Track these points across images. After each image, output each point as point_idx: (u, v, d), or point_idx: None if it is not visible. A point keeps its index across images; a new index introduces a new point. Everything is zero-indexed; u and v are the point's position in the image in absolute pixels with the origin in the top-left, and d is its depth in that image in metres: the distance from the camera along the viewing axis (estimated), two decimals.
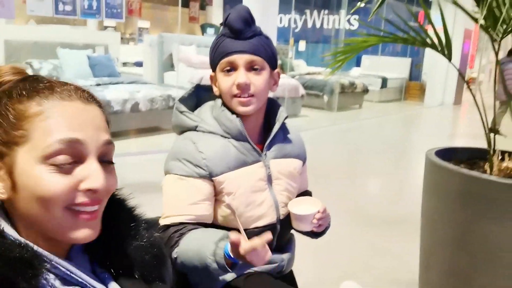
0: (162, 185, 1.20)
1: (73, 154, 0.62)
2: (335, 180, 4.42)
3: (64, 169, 0.61)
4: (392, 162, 5.48)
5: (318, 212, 1.20)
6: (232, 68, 1.17)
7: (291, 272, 1.41)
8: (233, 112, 1.20)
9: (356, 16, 11.97)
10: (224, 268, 1.00)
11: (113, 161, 0.69)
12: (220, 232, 1.07)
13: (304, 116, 8.23)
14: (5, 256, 0.57)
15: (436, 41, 1.74)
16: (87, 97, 0.67)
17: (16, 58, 6.06)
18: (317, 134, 6.73)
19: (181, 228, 1.12)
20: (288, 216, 1.26)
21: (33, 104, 0.63)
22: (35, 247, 0.61)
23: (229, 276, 1.20)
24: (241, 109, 1.18)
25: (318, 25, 13.60)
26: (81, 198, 0.63)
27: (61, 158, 0.61)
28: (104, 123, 0.68)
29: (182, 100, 1.27)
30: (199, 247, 1.04)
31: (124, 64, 10.02)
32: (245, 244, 0.92)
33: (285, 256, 1.31)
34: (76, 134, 0.62)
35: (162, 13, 17.54)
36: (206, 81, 1.30)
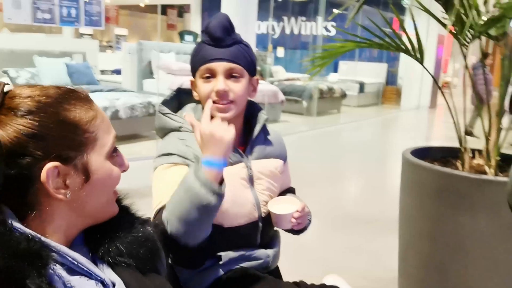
0: (152, 182, 1.21)
1: (114, 146, 0.77)
2: (316, 182, 4.49)
3: (116, 159, 0.78)
4: (370, 164, 5.60)
5: (297, 211, 1.24)
6: (211, 75, 1.19)
7: (277, 268, 1.45)
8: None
9: (333, 23, 12.17)
10: (210, 186, 1.01)
11: None
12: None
13: (284, 122, 8.32)
14: (14, 248, 0.60)
15: (409, 46, 1.83)
16: None
17: None
18: (297, 138, 6.81)
19: None
20: (270, 214, 1.30)
21: (87, 109, 0.72)
22: (43, 238, 0.65)
23: (217, 272, 1.25)
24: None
25: (296, 31, 13.78)
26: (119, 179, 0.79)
27: (116, 150, 0.77)
28: None
29: (165, 102, 1.30)
30: (180, 186, 1.05)
31: (102, 72, 9.94)
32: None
33: (270, 252, 1.35)
34: (114, 130, 0.77)
35: (139, 20, 17.48)
36: (187, 87, 1.34)
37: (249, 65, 1.22)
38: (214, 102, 1.19)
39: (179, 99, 1.34)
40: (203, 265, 1.24)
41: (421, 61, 1.86)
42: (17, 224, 0.64)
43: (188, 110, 1.30)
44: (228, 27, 1.18)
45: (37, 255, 0.61)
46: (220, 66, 1.18)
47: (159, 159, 1.22)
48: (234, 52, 1.19)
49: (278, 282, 1.26)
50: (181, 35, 14.19)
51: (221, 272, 1.25)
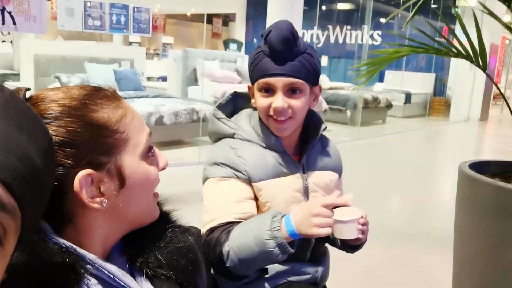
0: (203, 192, 1.17)
1: (149, 145, 0.71)
2: (360, 194, 4.34)
3: (152, 158, 0.72)
4: (416, 178, 5.38)
5: (362, 217, 1.15)
6: (270, 89, 1.13)
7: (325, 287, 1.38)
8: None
9: (379, 32, 11.94)
10: (282, 245, 0.99)
11: None
12: (274, 210, 1.06)
13: (327, 131, 8.13)
14: (47, 261, 0.56)
15: (470, 51, 1.71)
16: None
17: (45, 72, 6.24)
18: (340, 149, 6.64)
19: (228, 226, 1.08)
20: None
21: (115, 107, 0.67)
22: (78, 249, 0.61)
23: (263, 286, 1.18)
24: (276, 131, 1.17)
25: (340, 40, 13.61)
26: (159, 179, 0.73)
27: (151, 149, 0.71)
28: None
29: (220, 107, 1.26)
30: (254, 226, 1.03)
31: (149, 78, 10.18)
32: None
33: (319, 268, 1.28)
34: (147, 127, 0.72)
35: (185, 29, 17.85)
36: (243, 91, 1.30)
37: (311, 76, 1.14)
38: (271, 116, 1.15)
39: (235, 103, 1.30)
40: (247, 278, 1.18)
41: (484, 67, 1.74)
42: (51, 235, 0.60)
43: (243, 116, 1.25)
44: (291, 39, 1.09)
45: (71, 269, 0.57)
46: (279, 82, 1.11)
47: (210, 169, 1.18)
48: (296, 66, 1.10)
49: None
50: (226, 43, 14.35)
51: (267, 286, 1.19)
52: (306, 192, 1.22)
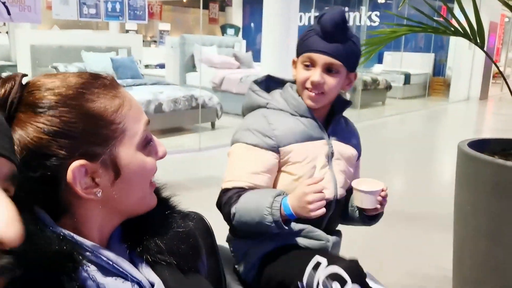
0: (229, 153, 1.29)
1: (149, 134, 0.70)
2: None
3: (150, 148, 0.70)
4: (418, 158, 5.39)
5: (382, 190, 1.24)
6: (311, 64, 1.24)
7: None
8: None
9: (377, 13, 11.83)
10: (278, 222, 1.12)
11: None
12: (278, 189, 1.20)
13: None
14: (44, 250, 0.56)
15: (468, 30, 1.69)
16: None
17: (42, 63, 6.21)
18: None
19: (241, 191, 1.21)
20: (341, 200, 1.33)
21: (112, 97, 0.65)
22: (76, 237, 0.61)
23: (274, 244, 1.27)
24: (308, 102, 1.27)
25: None
26: (156, 168, 0.72)
27: (147, 140, 0.69)
28: None
29: (256, 82, 1.37)
30: (258, 199, 1.15)
31: (146, 66, 10.13)
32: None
33: (332, 237, 1.31)
34: (146, 116, 0.70)
35: (182, 15, 17.69)
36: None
37: (350, 62, 1.25)
38: (307, 88, 1.26)
39: (267, 85, 1.40)
40: (261, 236, 1.26)
41: (482, 45, 1.72)
42: (49, 224, 0.60)
43: (275, 91, 1.36)
44: (340, 23, 1.19)
45: (69, 257, 0.57)
46: (320, 59, 1.22)
47: (241, 133, 1.28)
48: (338, 49, 1.21)
49: (330, 253, 1.25)
50: (223, 28, 14.23)
51: (278, 244, 1.26)
52: (330, 158, 1.31)
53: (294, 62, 1.33)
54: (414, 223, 3.23)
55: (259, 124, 1.26)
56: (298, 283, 1.14)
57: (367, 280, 1.17)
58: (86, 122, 0.61)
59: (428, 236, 2.96)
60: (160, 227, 0.73)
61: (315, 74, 1.23)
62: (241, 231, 1.27)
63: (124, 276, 0.65)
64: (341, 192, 1.32)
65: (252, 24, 14.65)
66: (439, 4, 9.18)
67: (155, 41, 16.25)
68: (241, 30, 14.33)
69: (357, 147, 1.42)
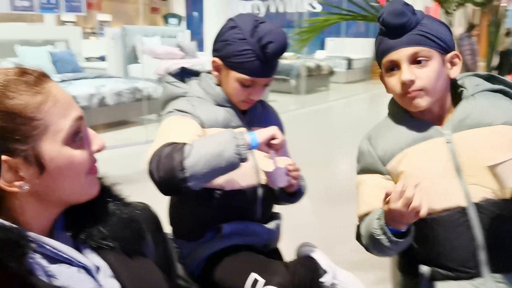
0: (159, 129, 1.23)
1: (79, 128, 0.71)
2: (308, 161, 4.48)
3: (81, 142, 0.71)
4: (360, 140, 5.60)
5: (290, 165, 1.25)
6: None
7: (277, 249, 1.46)
8: (218, 84, 1.30)
9: None
10: (244, 146, 1.07)
11: None
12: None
13: (273, 101, 8.27)
14: None
15: None
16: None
17: None
18: (287, 118, 6.71)
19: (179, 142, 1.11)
20: (267, 185, 1.31)
21: (34, 93, 0.65)
22: (19, 228, 0.64)
23: (217, 246, 1.27)
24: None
25: (281, 9, 13.60)
26: (93, 159, 0.74)
27: (78, 134, 0.70)
28: None
29: (171, 74, 1.35)
30: (217, 134, 1.10)
31: (87, 59, 9.78)
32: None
33: (270, 227, 1.36)
34: (78, 111, 0.70)
35: (122, 5, 17.16)
36: (191, 68, 1.38)
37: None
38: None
39: (182, 76, 1.38)
40: (203, 238, 1.27)
41: None
42: None
43: (192, 81, 1.35)
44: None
45: (16, 244, 0.60)
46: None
47: (166, 115, 1.25)
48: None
49: (268, 261, 1.26)
50: (166, 18, 13.98)
51: (220, 246, 1.27)
52: None
53: (213, 63, 1.29)
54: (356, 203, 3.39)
55: (183, 106, 1.25)
56: None
57: (317, 255, 1.26)
58: (5, 119, 0.62)
59: None
60: (103, 214, 0.76)
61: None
62: (192, 170, 1.05)
63: (69, 262, 0.68)
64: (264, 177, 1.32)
65: (195, 13, 14.48)
66: None
67: (94, 33, 15.69)
68: (184, 19, 14.13)
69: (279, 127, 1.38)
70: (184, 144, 1.08)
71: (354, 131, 6.00)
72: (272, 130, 1.14)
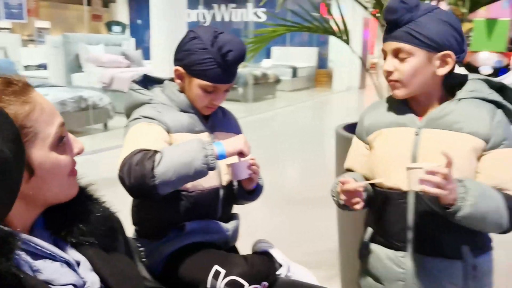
0: (125, 138, 1.27)
1: (63, 134, 0.76)
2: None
3: (64, 146, 0.76)
4: (307, 145, 5.79)
5: (251, 159, 1.32)
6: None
7: (235, 247, 1.52)
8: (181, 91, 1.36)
9: (264, 9, 12.26)
10: (212, 156, 1.14)
11: None
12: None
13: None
14: None
15: (336, 28, 1.93)
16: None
17: None
18: None
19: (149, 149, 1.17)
20: (230, 186, 1.40)
21: (22, 103, 0.69)
22: (6, 228, 0.66)
23: (179, 243, 1.32)
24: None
25: (227, 18, 13.73)
26: (74, 162, 0.80)
27: (62, 139, 0.75)
28: None
29: (135, 82, 1.39)
30: (186, 143, 1.17)
31: (26, 67, 9.40)
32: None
33: (230, 226, 1.43)
34: (60, 118, 0.75)
35: (62, 12, 16.61)
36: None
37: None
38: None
39: (145, 84, 1.41)
40: (166, 236, 1.31)
41: (347, 42, 1.98)
42: None
43: (155, 89, 1.39)
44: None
45: (4, 241, 0.62)
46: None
47: (132, 122, 1.29)
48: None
49: (228, 255, 1.33)
50: (108, 26, 13.69)
51: (182, 243, 1.32)
52: None
53: (177, 71, 1.35)
54: (305, 202, 3.51)
55: (149, 112, 1.30)
56: None
57: (273, 251, 1.35)
58: None
59: (317, 216, 3.24)
60: (81, 212, 0.81)
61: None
62: (163, 181, 1.11)
63: (52, 257, 0.72)
64: (226, 178, 1.39)
65: (140, 21, 14.29)
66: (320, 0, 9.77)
67: (33, 40, 15.06)
68: (128, 27, 13.91)
69: (238, 134, 1.46)
70: (155, 152, 1.14)
71: (300, 137, 6.20)
72: (239, 145, 1.22)
